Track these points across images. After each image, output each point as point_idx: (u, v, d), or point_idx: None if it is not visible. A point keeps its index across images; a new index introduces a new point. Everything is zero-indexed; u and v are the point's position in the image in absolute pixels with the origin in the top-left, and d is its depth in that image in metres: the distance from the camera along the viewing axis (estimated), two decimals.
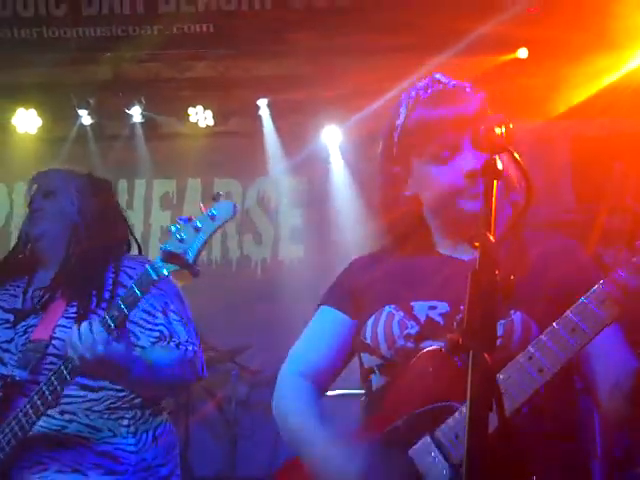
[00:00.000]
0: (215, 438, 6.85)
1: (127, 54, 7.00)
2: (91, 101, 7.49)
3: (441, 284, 2.15)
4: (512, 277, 1.51)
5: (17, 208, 8.08)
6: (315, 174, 7.71)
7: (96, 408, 2.82)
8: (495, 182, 1.68)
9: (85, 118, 7.64)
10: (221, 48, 6.90)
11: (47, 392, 2.63)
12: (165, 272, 2.47)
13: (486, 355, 1.38)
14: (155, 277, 2.48)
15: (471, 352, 1.40)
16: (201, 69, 7.31)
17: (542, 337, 1.86)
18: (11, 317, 2.96)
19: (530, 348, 1.86)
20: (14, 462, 2.71)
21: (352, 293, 2.31)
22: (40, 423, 2.72)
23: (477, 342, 1.41)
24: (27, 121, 7.68)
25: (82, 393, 2.76)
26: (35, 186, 3.14)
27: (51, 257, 3.04)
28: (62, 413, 2.76)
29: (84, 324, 2.52)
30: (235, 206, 2.41)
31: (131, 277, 2.89)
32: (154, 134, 7.81)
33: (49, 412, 2.72)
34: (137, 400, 2.88)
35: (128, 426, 2.84)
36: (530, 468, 1.89)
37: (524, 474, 1.87)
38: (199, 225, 2.40)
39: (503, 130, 1.73)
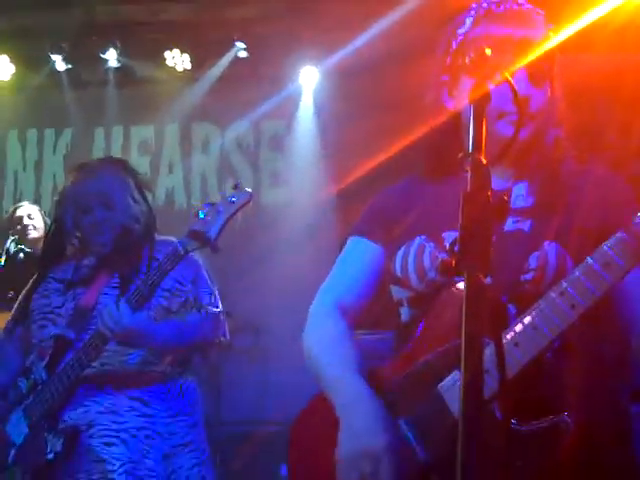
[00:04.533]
0: (199, 384, 6.82)
1: None
2: (65, 46, 7.33)
3: None
4: (505, 197, 1.46)
5: None
6: (294, 116, 7.61)
7: (131, 361, 3.23)
8: (485, 106, 1.60)
9: (59, 64, 7.49)
10: None
11: (90, 348, 3.07)
12: (190, 248, 3.00)
13: (481, 276, 1.33)
14: (182, 252, 3.00)
15: (465, 273, 1.35)
16: (176, 11, 7.16)
17: (575, 271, 1.81)
18: (62, 286, 3.40)
19: (563, 282, 1.81)
20: (61, 405, 3.16)
21: (383, 222, 2.23)
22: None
23: (471, 264, 1.36)
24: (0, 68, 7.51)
25: (119, 348, 3.15)
26: (85, 183, 3.40)
27: (100, 248, 3.43)
28: (102, 365, 3.17)
29: (110, 303, 3.00)
30: (251, 194, 3.00)
31: (162, 252, 3.30)
32: (130, 79, 7.67)
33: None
34: (168, 358, 3.32)
35: (157, 378, 3.28)
36: (562, 404, 1.85)
37: (555, 410, 1.83)
38: (220, 209, 2.96)
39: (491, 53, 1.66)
